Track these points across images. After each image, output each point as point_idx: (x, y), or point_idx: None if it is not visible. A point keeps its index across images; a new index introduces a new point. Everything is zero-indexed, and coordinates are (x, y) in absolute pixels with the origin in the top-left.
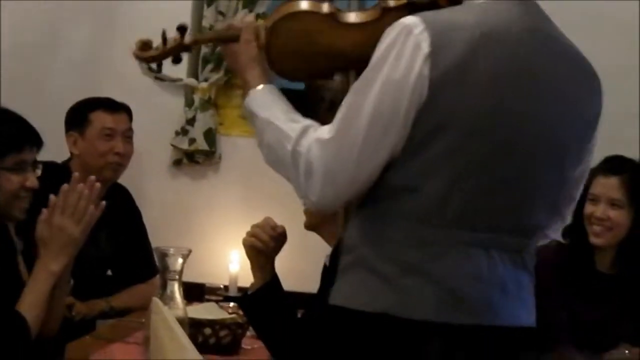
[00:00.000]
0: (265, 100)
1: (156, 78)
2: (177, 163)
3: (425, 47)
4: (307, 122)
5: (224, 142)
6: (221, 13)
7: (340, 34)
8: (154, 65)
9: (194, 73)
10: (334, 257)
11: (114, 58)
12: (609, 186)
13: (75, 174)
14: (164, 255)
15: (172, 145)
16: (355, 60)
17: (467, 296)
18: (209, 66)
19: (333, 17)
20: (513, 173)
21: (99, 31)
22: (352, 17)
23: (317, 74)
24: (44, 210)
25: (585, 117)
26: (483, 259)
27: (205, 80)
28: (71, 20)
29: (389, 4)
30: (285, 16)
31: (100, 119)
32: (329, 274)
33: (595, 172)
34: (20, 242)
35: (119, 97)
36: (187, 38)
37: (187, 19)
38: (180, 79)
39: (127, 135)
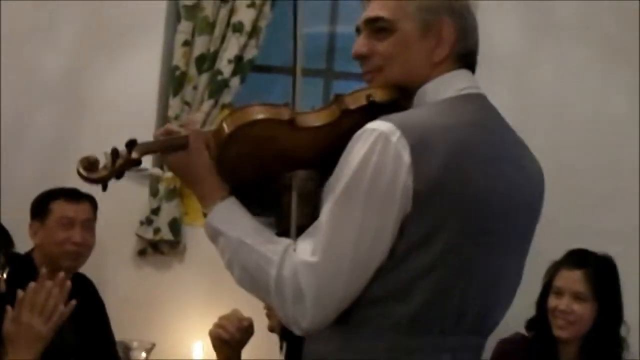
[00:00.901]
0: (232, 216)
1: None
2: (141, 253)
3: (406, 157)
4: (284, 241)
5: (189, 232)
6: (187, 103)
7: (298, 138)
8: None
9: (159, 162)
10: None
11: (81, 145)
12: (573, 279)
13: (43, 270)
14: (127, 348)
15: (137, 235)
16: (311, 160)
17: None
18: None
19: (291, 123)
20: (492, 276)
21: (66, 119)
22: (311, 119)
23: (268, 176)
24: (10, 309)
25: (539, 208)
26: None
27: None
28: (39, 108)
29: (349, 106)
30: (241, 125)
31: (61, 208)
32: None
33: (559, 265)
34: None
35: (84, 186)
36: (135, 153)
37: (152, 107)
38: (146, 169)
39: (88, 226)
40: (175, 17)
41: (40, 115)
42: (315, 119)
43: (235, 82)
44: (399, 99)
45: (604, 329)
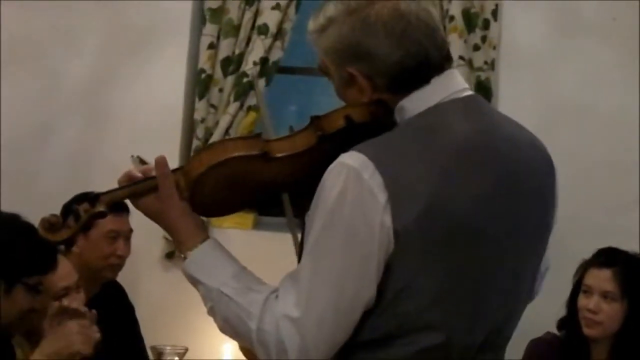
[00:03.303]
0: (209, 264)
1: None
2: (169, 256)
3: (381, 196)
4: (265, 290)
5: (216, 234)
6: (213, 106)
7: (275, 167)
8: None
9: None
10: None
11: (106, 152)
12: (602, 278)
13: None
14: (160, 354)
15: (165, 237)
16: (293, 184)
17: None
18: None
19: (265, 156)
20: (496, 301)
21: (91, 126)
22: (286, 147)
23: (245, 206)
24: (55, 305)
25: (551, 208)
26: None
27: None
28: (63, 115)
29: (326, 131)
30: (212, 165)
31: (108, 221)
32: None
33: (588, 264)
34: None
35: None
36: (100, 206)
37: (178, 111)
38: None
39: (129, 237)
40: (200, 20)
41: (65, 121)
42: (291, 147)
43: (261, 84)
44: (380, 114)
45: (634, 329)
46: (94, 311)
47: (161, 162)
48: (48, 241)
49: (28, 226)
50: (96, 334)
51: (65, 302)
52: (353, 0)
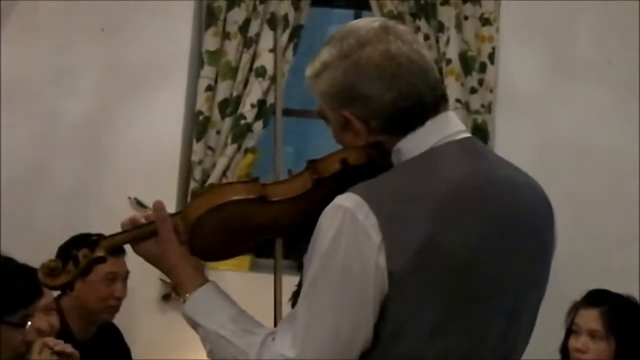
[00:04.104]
0: (208, 307)
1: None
2: (165, 298)
3: (375, 237)
4: (262, 332)
5: (211, 276)
6: (210, 148)
7: (270, 212)
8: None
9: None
10: None
11: (103, 192)
12: (589, 318)
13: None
14: None
15: (161, 279)
16: (288, 230)
17: None
18: None
19: (262, 199)
20: (495, 338)
21: (88, 166)
22: (283, 191)
23: (243, 251)
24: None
25: (548, 251)
26: None
27: None
28: (61, 155)
29: (322, 175)
30: (209, 210)
31: (107, 263)
32: None
33: (578, 305)
34: None
35: (107, 231)
36: (99, 251)
37: (175, 153)
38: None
39: (126, 278)
40: (198, 62)
41: (63, 161)
42: (288, 191)
43: (258, 126)
44: (377, 156)
45: None
46: (76, 352)
47: (159, 206)
48: (47, 286)
49: (10, 262)
50: None
51: (51, 342)
52: (346, 44)
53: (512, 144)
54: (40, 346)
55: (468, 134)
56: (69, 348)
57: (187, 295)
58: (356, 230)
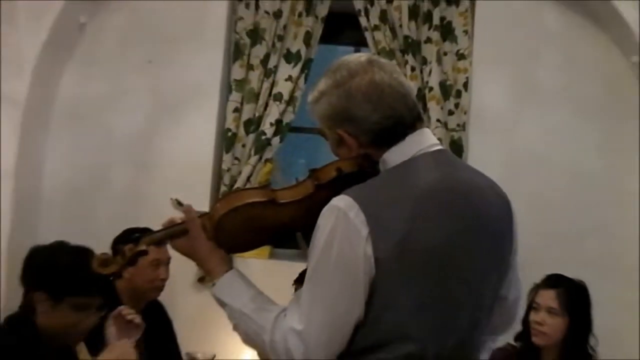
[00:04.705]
0: (233, 289)
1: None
2: (200, 280)
3: (363, 230)
4: (275, 309)
5: (239, 263)
6: (237, 158)
7: (280, 212)
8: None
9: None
10: None
11: (150, 194)
12: (547, 297)
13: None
14: (193, 359)
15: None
16: (295, 227)
17: None
18: None
19: (273, 202)
20: (465, 314)
21: (138, 173)
22: (290, 195)
23: (262, 244)
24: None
25: (508, 243)
26: None
27: None
28: (115, 164)
29: (321, 181)
30: (228, 211)
31: (152, 252)
32: None
33: (538, 286)
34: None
35: (153, 226)
36: (141, 245)
37: (208, 163)
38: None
39: (168, 263)
40: (227, 89)
41: (118, 168)
42: (294, 195)
43: (276, 141)
44: (366, 165)
45: (575, 339)
46: (143, 323)
47: (188, 209)
48: (101, 274)
49: (77, 251)
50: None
51: (125, 311)
52: (339, 75)
53: (483, 157)
54: (117, 312)
55: (441, 147)
56: (138, 319)
57: (215, 280)
58: (348, 225)
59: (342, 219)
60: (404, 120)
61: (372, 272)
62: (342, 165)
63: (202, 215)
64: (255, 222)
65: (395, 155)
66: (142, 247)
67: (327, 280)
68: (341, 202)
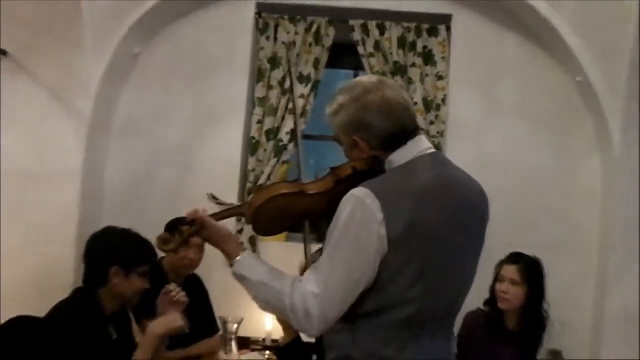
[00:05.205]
0: (250, 265)
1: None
2: None
3: (379, 215)
4: (289, 277)
5: (262, 246)
6: (260, 161)
7: (307, 202)
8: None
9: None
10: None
11: (191, 191)
12: (510, 271)
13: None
14: (225, 322)
15: None
16: (318, 214)
17: None
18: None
19: (302, 193)
20: (453, 281)
21: (181, 174)
22: (314, 188)
23: (290, 228)
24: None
25: (485, 228)
26: (431, 344)
27: None
28: (163, 167)
29: (340, 177)
30: (268, 200)
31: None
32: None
33: (503, 262)
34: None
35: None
36: (196, 226)
37: (237, 164)
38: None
39: (198, 246)
40: (252, 105)
41: (164, 171)
42: (318, 188)
43: (291, 146)
44: (375, 165)
45: (532, 305)
46: (187, 300)
47: (198, 212)
48: (162, 250)
49: (136, 235)
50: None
51: (172, 287)
52: (356, 92)
53: (457, 158)
54: (166, 290)
55: (434, 150)
56: (183, 297)
57: (234, 260)
58: (365, 211)
59: (360, 205)
60: (407, 128)
61: (385, 250)
62: (357, 164)
63: (242, 204)
64: (287, 209)
65: (400, 157)
66: (197, 229)
67: (344, 255)
68: (359, 192)
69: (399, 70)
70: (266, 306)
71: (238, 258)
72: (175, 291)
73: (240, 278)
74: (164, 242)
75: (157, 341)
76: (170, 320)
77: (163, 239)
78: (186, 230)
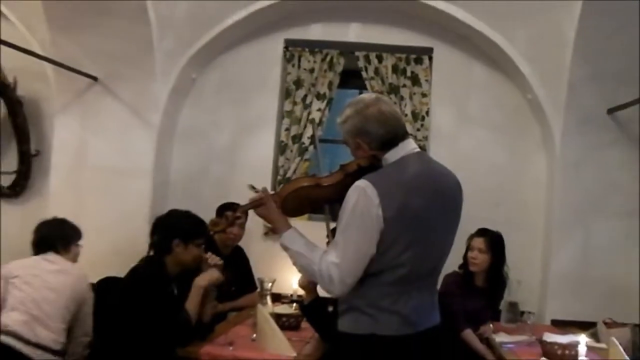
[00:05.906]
0: (293, 239)
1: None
2: (266, 234)
3: (376, 201)
4: (320, 250)
5: (292, 223)
6: (287, 159)
7: (323, 191)
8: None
9: (272, 188)
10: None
11: (236, 182)
12: (478, 242)
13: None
14: (262, 281)
15: (264, 225)
16: (332, 200)
17: (413, 319)
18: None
19: (318, 185)
20: (436, 249)
21: (228, 169)
22: (329, 180)
23: (312, 211)
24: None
25: (459, 209)
26: (418, 297)
27: None
28: (213, 165)
29: (348, 171)
30: (292, 191)
31: (228, 214)
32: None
33: (473, 235)
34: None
35: (240, 202)
36: (238, 212)
37: (270, 162)
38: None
39: (240, 224)
40: (281, 116)
41: (214, 168)
42: (331, 180)
43: (310, 148)
44: (375, 162)
45: (495, 268)
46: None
47: (264, 190)
48: (211, 232)
49: (193, 215)
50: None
51: (208, 254)
52: (358, 106)
53: (437, 159)
54: (208, 257)
55: (420, 150)
56: (218, 260)
57: (282, 233)
58: (366, 197)
59: (362, 193)
60: (398, 134)
61: (382, 226)
62: (360, 162)
63: (275, 193)
64: (307, 197)
65: (393, 155)
66: (238, 214)
67: (354, 232)
68: (362, 183)
69: (393, 89)
70: (302, 270)
71: (285, 232)
72: (210, 257)
73: (285, 247)
74: (214, 224)
75: (201, 291)
76: (209, 274)
77: (213, 222)
78: (231, 216)
